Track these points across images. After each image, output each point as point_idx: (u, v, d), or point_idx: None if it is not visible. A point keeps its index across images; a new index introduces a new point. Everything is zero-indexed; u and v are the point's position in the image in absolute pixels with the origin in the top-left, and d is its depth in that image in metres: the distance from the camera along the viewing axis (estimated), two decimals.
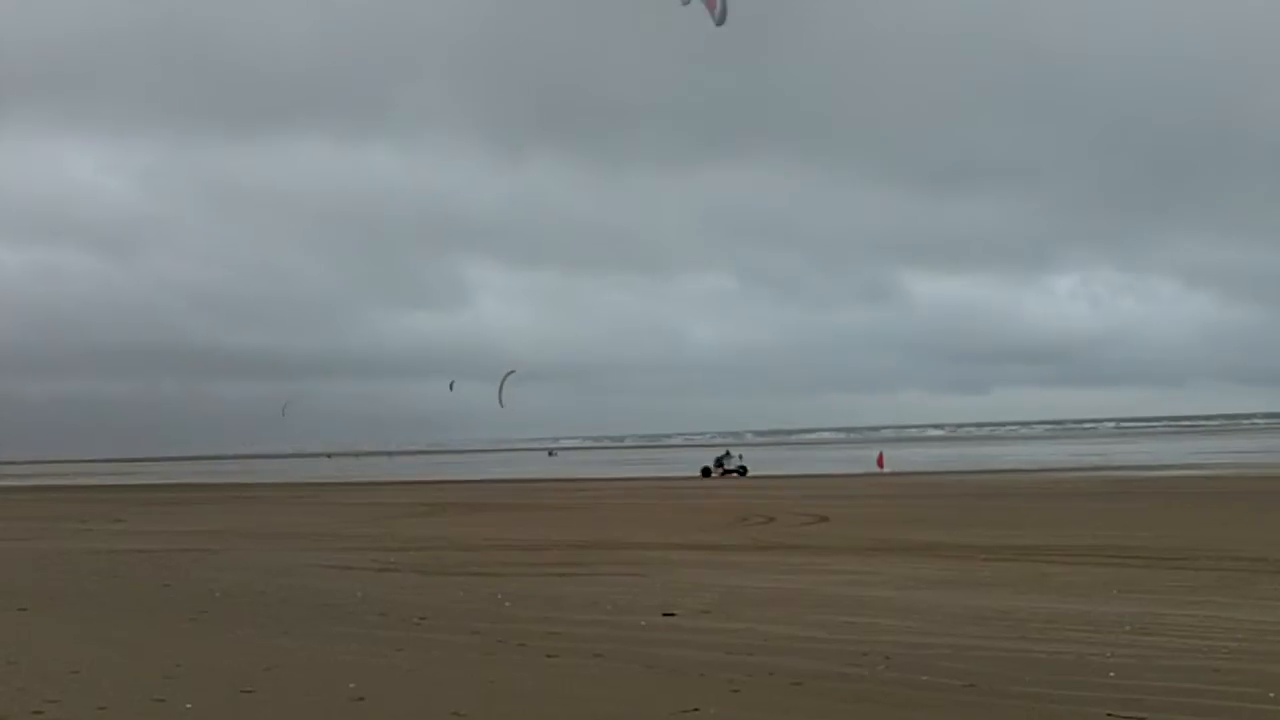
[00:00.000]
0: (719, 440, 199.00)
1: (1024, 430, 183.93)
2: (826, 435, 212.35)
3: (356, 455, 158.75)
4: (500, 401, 64.69)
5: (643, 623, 12.11)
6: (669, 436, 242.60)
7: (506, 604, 13.82)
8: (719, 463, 64.50)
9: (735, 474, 62.96)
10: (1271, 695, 8.19)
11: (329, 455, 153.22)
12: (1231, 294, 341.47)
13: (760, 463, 73.49)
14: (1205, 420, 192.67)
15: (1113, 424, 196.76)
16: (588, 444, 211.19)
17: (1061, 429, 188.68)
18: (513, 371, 65.04)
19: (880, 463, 64.78)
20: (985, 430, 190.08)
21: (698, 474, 63.75)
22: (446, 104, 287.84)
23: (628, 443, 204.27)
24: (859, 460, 75.63)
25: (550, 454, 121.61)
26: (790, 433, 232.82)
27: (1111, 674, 8.99)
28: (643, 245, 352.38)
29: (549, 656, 10.35)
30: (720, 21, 26.37)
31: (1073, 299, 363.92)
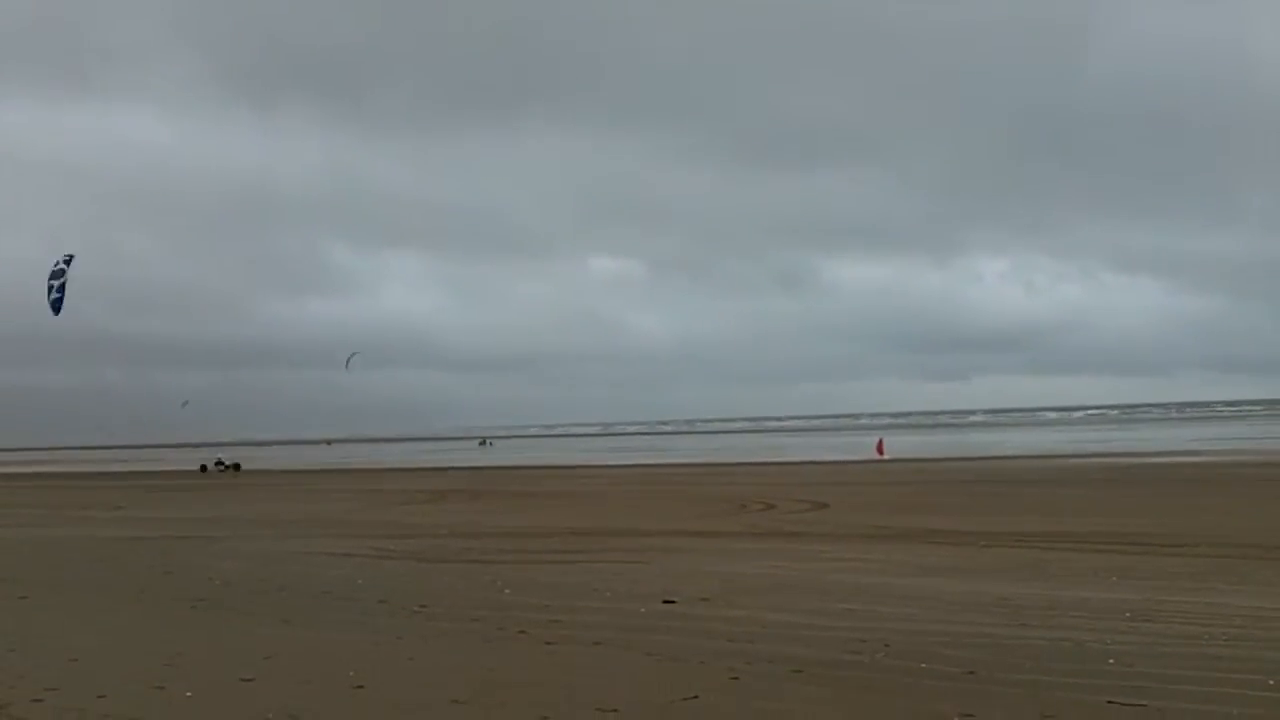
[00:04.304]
0: (677, 429, 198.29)
1: (1004, 418, 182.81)
2: (800, 423, 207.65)
3: (355, 442, 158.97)
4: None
5: (642, 610, 12.12)
6: (634, 425, 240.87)
7: (506, 591, 13.83)
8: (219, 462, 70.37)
9: (230, 470, 68.07)
10: (1271, 682, 8.20)
11: (328, 442, 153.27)
12: (1175, 280, 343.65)
13: (750, 450, 73.58)
14: (1185, 407, 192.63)
15: (1084, 412, 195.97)
16: (542, 433, 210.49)
17: (1034, 416, 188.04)
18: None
19: (880, 449, 64.73)
20: (960, 418, 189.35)
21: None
22: (192, 63, 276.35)
23: (589, 432, 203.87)
24: (855, 446, 75.66)
25: (482, 443, 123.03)
26: (757, 420, 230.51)
27: (1111, 661, 9.00)
28: (513, 226, 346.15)
29: (548, 644, 10.36)
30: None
31: (1005, 283, 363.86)
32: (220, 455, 72.99)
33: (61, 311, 36.35)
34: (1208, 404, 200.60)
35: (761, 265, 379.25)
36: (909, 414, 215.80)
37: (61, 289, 36.00)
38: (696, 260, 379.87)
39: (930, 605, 12.01)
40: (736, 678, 8.81)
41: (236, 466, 69.13)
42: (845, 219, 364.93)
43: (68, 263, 36.20)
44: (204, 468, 69.43)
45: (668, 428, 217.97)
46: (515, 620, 11.59)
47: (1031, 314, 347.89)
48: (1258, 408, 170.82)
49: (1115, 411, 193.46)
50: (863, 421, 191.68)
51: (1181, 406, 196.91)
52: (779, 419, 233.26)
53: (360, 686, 8.81)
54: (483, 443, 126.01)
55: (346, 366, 77.54)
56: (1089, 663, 8.97)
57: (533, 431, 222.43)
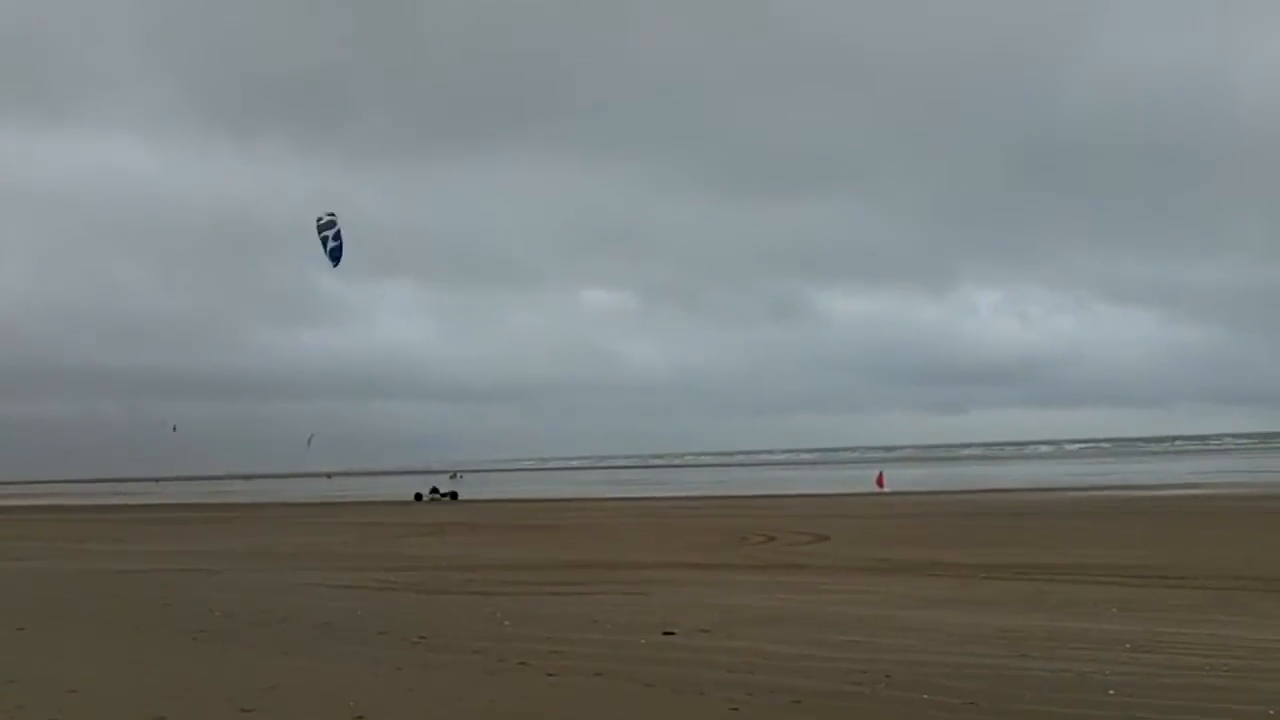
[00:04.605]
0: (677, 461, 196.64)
1: (1001, 451, 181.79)
2: (798, 456, 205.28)
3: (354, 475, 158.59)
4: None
5: (643, 641, 12.11)
6: (629, 457, 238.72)
7: (506, 623, 13.82)
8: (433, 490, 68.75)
9: (447, 498, 65.99)
10: (1271, 713, 8.22)
11: (328, 475, 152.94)
12: (1170, 310, 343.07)
13: (749, 482, 73.53)
14: (1181, 440, 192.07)
15: (1078, 445, 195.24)
16: (537, 466, 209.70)
17: (1031, 449, 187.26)
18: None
19: (880, 482, 64.69)
20: (958, 451, 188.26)
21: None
22: (170, 90, 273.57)
23: (584, 465, 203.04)
24: (855, 479, 75.58)
25: (453, 477, 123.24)
26: (755, 453, 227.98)
27: (1111, 692, 9.01)
28: (503, 256, 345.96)
29: (549, 675, 10.35)
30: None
31: (999, 315, 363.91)
32: (436, 484, 72.24)
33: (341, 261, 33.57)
34: (1203, 437, 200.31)
35: (755, 296, 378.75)
36: (907, 447, 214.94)
37: (338, 236, 33.46)
38: (689, 290, 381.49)
39: (931, 637, 12.01)
40: (736, 709, 8.81)
41: (454, 495, 66.56)
42: (838, 249, 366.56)
43: (333, 215, 34.14)
44: (419, 497, 66.58)
45: (663, 460, 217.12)
46: (516, 652, 11.58)
47: (1027, 346, 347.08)
48: (1253, 441, 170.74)
49: (1109, 444, 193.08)
50: (857, 454, 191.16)
51: (1177, 440, 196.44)
52: (776, 452, 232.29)
53: (360, 718, 8.80)
54: (454, 476, 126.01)
55: (308, 446, 78.88)
56: (1090, 694, 8.97)
57: (527, 464, 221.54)
